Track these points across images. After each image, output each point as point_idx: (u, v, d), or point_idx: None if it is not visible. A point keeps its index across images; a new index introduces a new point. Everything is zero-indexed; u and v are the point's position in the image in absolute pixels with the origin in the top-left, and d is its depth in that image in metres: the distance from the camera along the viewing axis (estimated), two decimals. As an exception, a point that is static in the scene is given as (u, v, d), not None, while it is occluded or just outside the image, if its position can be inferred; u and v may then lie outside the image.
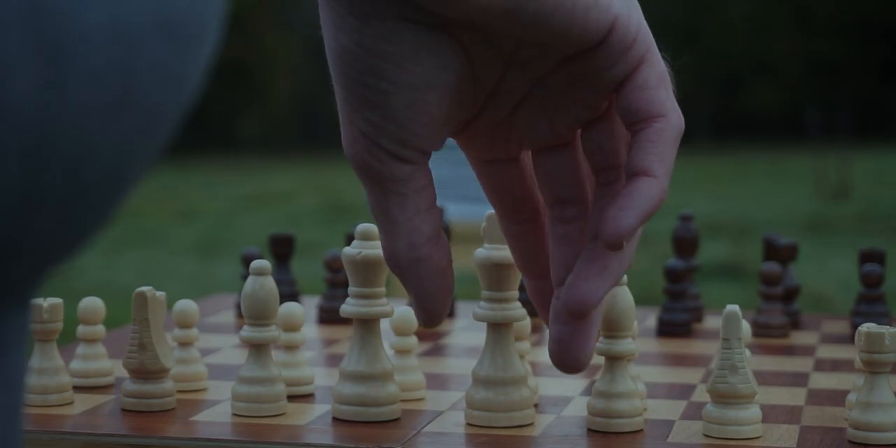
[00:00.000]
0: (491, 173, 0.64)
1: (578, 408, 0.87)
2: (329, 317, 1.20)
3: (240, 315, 1.22)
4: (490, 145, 0.63)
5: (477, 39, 0.59)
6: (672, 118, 0.59)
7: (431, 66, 0.57)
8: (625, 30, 0.58)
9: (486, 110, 0.61)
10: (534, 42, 0.58)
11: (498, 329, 0.82)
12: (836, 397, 0.91)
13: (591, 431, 0.81)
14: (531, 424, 0.82)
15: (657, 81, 0.59)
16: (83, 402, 0.89)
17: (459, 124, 0.62)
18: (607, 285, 0.59)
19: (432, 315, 0.62)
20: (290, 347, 0.93)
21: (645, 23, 0.59)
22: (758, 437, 0.80)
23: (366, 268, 0.83)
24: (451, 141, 0.64)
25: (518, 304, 0.82)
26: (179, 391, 0.91)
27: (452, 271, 0.62)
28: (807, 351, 1.08)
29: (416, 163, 0.59)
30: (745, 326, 0.83)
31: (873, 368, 0.79)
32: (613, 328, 0.81)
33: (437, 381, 0.95)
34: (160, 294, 0.88)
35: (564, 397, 0.90)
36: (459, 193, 4.30)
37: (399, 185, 0.59)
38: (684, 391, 0.93)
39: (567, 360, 0.60)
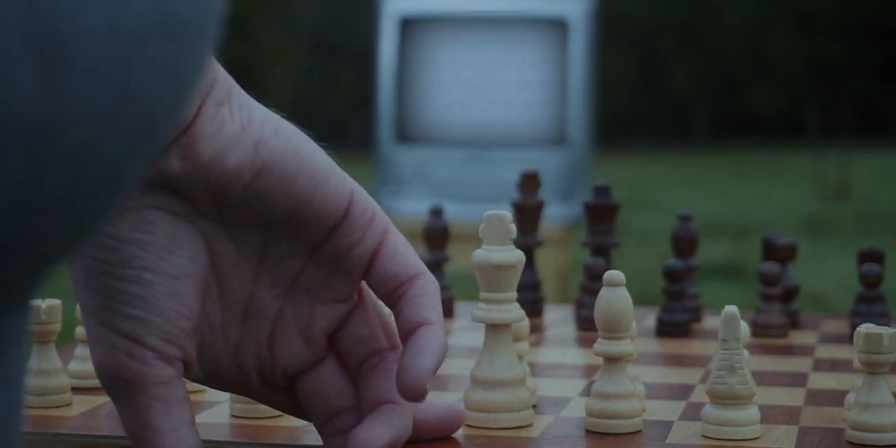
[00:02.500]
0: (284, 404, 0.66)
1: (577, 409, 0.87)
2: (328, 317, 1.20)
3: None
4: (263, 390, 0.64)
5: (224, 240, 0.60)
6: (429, 276, 0.62)
7: (186, 256, 0.59)
8: (364, 201, 0.61)
9: (245, 343, 0.63)
10: (279, 219, 0.60)
11: (496, 330, 0.82)
12: (835, 397, 0.91)
13: (590, 432, 0.81)
14: (530, 425, 0.82)
15: (405, 247, 0.62)
16: (82, 404, 0.89)
17: (230, 363, 0.63)
18: (390, 435, 0.61)
19: None
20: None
21: (378, 206, 0.63)
22: (756, 438, 0.80)
23: (365, 268, 0.83)
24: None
25: (517, 305, 0.82)
26: (179, 391, 0.91)
27: None
28: (806, 351, 1.08)
29: (177, 368, 0.60)
30: (744, 327, 0.83)
31: (872, 369, 0.79)
32: (612, 329, 0.81)
33: (435, 382, 0.95)
34: (159, 294, 0.88)
35: (563, 398, 0.90)
36: (459, 193, 4.29)
37: (163, 391, 0.59)
38: (683, 392, 0.93)
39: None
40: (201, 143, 0.57)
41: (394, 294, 0.63)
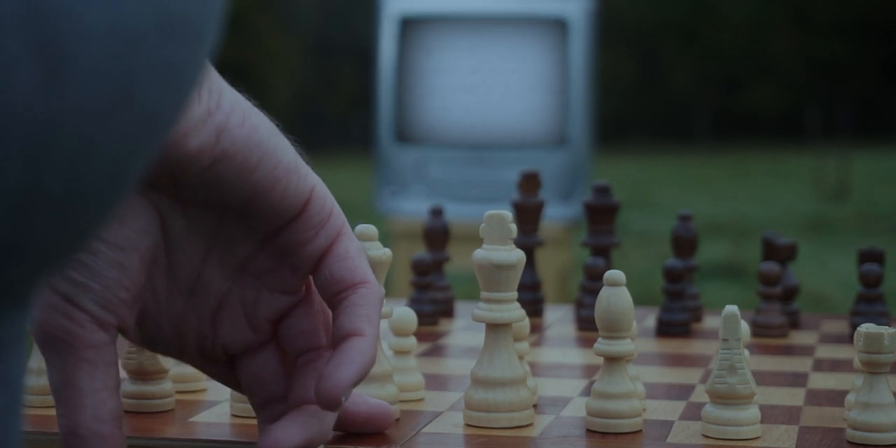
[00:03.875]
0: (226, 380, 0.66)
1: (577, 408, 0.87)
2: (328, 317, 1.20)
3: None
4: (201, 359, 0.64)
5: (178, 215, 0.60)
6: (374, 285, 0.62)
7: (135, 228, 0.60)
8: (322, 200, 0.61)
9: (188, 316, 0.63)
10: (235, 206, 0.60)
11: (497, 330, 0.82)
12: (836, 397, 0.91)
13: (590, 432, 0.81)
14: (530, 425, 0.82)
15: (356, 252, 0.63)
16: (83, 403, 0.89)
17: (172, 333, 0.63)
18: (302, 437, 0.61)
19: None
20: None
21: (337, 205, 0.62)
22: (757, 438, 0.80)
23: (365, 268, 0.83)
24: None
25: (517, 304, 0.82)
26: (178, 392, 0.91)
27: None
28: (806, 351, 1.08)
29: (110, 334, 0.60)
30: (744, 327, 0.83)
31: (872, 369, 0.79)
32: (612, 329, 0.81)
33: (435, 382, 0.95)
34: (160, 294, 0.88)
35: (563, 398, 0.90)
36: (459, 193, 4.29)
37: (92, 354, 0.59)
38: (683, 391, 0.93)
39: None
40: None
41: (335, 298, 0.63)
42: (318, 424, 0.63)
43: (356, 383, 0.61)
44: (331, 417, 0.64)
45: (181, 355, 0.65)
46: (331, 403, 0.60)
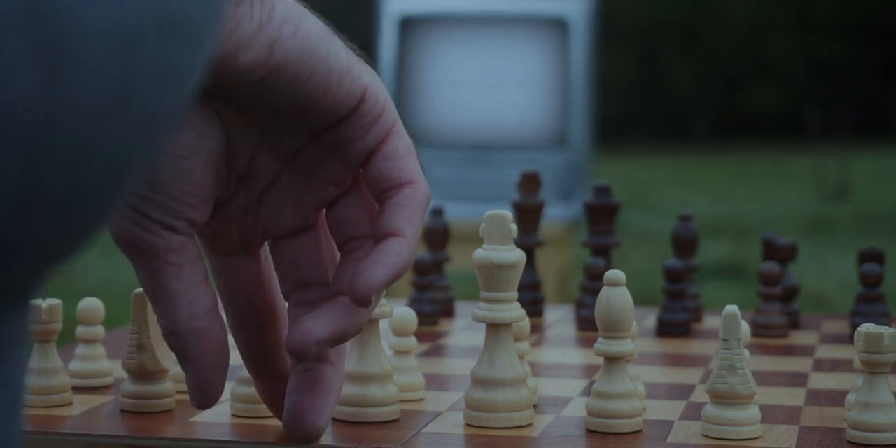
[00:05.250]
0: (230, 269, 0.66)
1: (577, 408, 0.87)
2: (328, 317, 1.20)
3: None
4: (237, 236, 0.65)
5: (232, 113, 0.61)
6: (421, 185, 0.62)
7: (194, 136, 0.60)
8: (374, 100, 0.61)
9: (237, 194, 0.63)
10: (288, 110, 0.61)
11: (497, 330, 0.82)
12: (836, 397, 0.91)
13: (590, 432, 0.81)
14: (530, 425, 0.82)
15: (406, 151, 0.62)
16: (82, 403, 0.89)
17: (213, 206, 0.63)
18: (333, 329, 0.61)
19: (209, 392, 0.62)
20: (290, 348, 0.93)
21: (390, 99, 0.62)
22: (757, 438, 0.80)
23: (365, 268, 0.83)
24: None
25: (517, 304, 0.82)
26: (179, 392, 0.91)
27: (228, 348, 0.63)
28: (806, 351, 1.08)
29: (186, 234, 0.60)
30: (745, 327, 0.83)
31: (872, 369, 0.79)
32: (612, 328, 0.81)
33: (436, 382, 0.95)
34: (160, 294, 0.88)
35: (563, 398, 0.90)
36: (459, 193, 4.29)
37: (173, 256, 0.60)
38: (683, 391, 0.93)
39: (301, 426, 0.61)
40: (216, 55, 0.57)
41: (381, 196, 0.63)
42: (349, 318, 0.63)
43: (389, 283, 0.61)
44: (363, 313, 0.64)
45: (216, 240, 0.64)
46: (361, 300, 0.60)
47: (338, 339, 0.63)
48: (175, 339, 0.61)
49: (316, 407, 0.63)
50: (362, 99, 0.61)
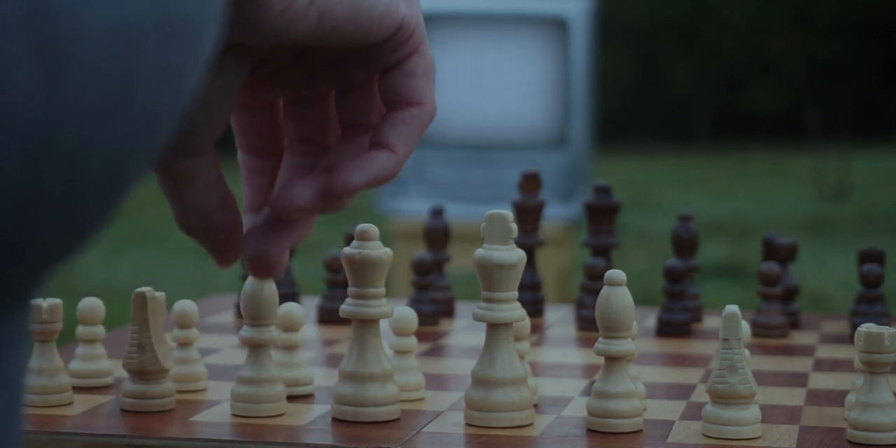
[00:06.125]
0: (247, 116, 0.67)
1: (578, 408, 0.87)
2: (328, 317, 1.20)
3: (239, 315, 1.22)
4: (254, 93, 0.66)
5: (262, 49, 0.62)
6: (428, 108, 0.63)
7: (229, 79, 0.60)
8: (407, 27, 0.62)
9: (260, 67, 0.64)
10: (324, 51, 0.62)
11: (497, 329, 0.82)
12: (836, 397, 0.91)
13: (591, 432, 0.81)
14: (531, 425, 0.82)
15: (424, 71, 0.63)
16: (83, 403, 0.89)
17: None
18: (313, 199, 0.62)
19: (225, 260, 0.64)
20: (290, 348, 0.93)
21: (421, 17, 0.63)
22: (757, 438, 0.80)
23: (365, 268, 0.83)
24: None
25: (517, 304, 0.82)
26: (179, 392, 0.91)
27: (242, 225, 0.65)
28: (806, 351, 1.08)
29: (205, 153, 0.61)
30: (745, 326, 0.83)
31: (873, 369, 0.79)
32: (612, 328, 0.81)
33: (436, 382, 0.95)
34: (160, 294, 0.88)
35: (564, 398, 0.90)
36: (459, 193, 4.29)
37: (189, 175, 0.61)
38: (684, 391, 0.93)
39: (262, 256, 0.63)
40: (266, 19, 0.57)
41: (388, 108, 0.64)
42: (331, 199, 0.64)
43: (363, 189, 0.62)
44: (344, 199, 0.65)
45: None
46: (334, 193, 0.61)
47: (316, 212, 0.64)
48: (186, 233, 0.64)
49: (277, 243, 0.64)
50: (397, 29, 0.62)
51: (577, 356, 1.06)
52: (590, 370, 1.00)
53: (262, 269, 0.64)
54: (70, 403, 0.89)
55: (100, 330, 0.96)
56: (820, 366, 1.02)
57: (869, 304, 1.13)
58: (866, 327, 0.79)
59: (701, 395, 0.91)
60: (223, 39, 0.59)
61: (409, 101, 0.62)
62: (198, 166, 0.62)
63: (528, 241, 1.21)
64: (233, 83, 0.61)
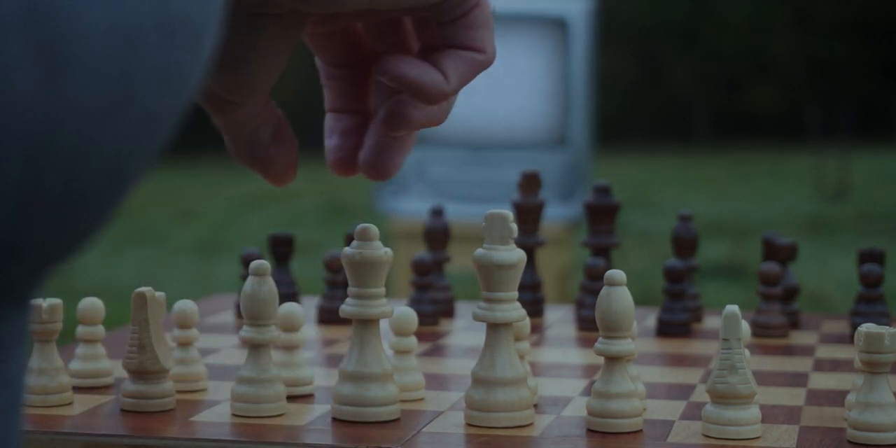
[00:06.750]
0: (321, 38, 0.68)
1: (578, 408, 0.87)
2: (328, 317, 1.20)
3: (239, 315, 1.22)
4: (321, 26, 0.67)
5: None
6: (490, 55, 0.65)
7: (283, 48, 0.62)
8: None
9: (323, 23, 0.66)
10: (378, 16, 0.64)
11: (497, 329, 0.82)
12: (836, 397, 0.91)
13: (591, 432, 0.81)
14: (531, 425, 0.82)
15: (484, 21, 0.64)
16: (82, 403, 0.89)
17: None
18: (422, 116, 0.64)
19: (279, 183, 0.67)
20: (290, 348, 0.93)
21: None
22: (757, 438, 0.80)
23: (365, 268, 0.83)
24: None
25: (518, 304, 0.82)
26: (179, 391, 0.91)
27: (296, 150, 0.66)
28: (806, 351, 1.08)
29: (258, 103, 0.63)
30: (745, 326, 0.83)
31: (873, 369, 0.79)
32: (612, 328, 0.81)
33: (436, 382, 0.95)
34: (160, 294, 0.88)
35: (564, 398, 0.90)
36: (459, 193, 4.29)
37: (240, 118, 0.63)
38: (684, 391, 0.93)
39: (381, 164, 0.65)
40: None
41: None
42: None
43: (410, 87, 0.63)
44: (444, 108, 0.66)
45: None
46: (395, 130, 0.64)
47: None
48: (240, 162, 0.66)
49: (393, 150, 0.66)
50: None
51: (577, 356, 1.06)
52: (590, 370, 1.00)
53: (378, 175, 0.66)
54: (70, 403, 0.89)
55: (100, 330, 0.96)
56: (820, 366, 1.02)
57: (869, 304, 1.13)
58: (866, 327, 0.79)
59: (701, 395, 0.91)
60: (274, 7, 0.60)
61: (472, 48, 0.64)
62: (251, 114, 0.63)
63: (528, 241, 1.21)
64: (285, 45, 0.62)
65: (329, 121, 0.69)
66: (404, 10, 0.62)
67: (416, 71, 0.63)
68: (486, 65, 0.65)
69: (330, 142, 0.67)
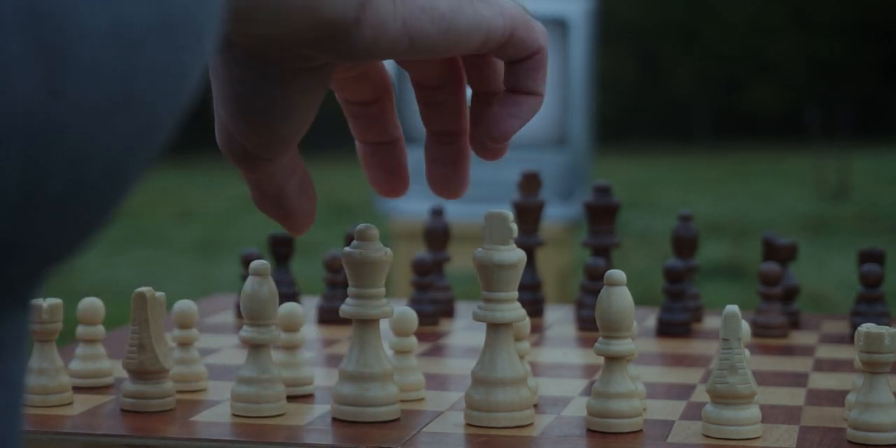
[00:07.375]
0: (350, 77, 0.68)
1: (578, 408, 0.87)
2: (329, 317, 1.20)
3: (239, 315, 1.22)
4: (354, 66, 0.67)
5: None
6: (542, 98, 0.66)
7: (314, 99, 0.62)
8: (494, 36, 0.62)
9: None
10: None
11: (497, 329, 0.82)
12: (836, 397, 0.91)
13: (591, 432, 0.81)
14: (531, 425, 0.82)
15: (540, 65, 0.65)
16: (83, 403, 0.89)
17: None
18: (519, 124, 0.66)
19: (298, 232, 0.68)
20: (290, 348, 0.93)
21: (527, 17, 0.65)
22: (757, 438, 0.80)
23: (365, 268, 0.83)
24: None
25: (518, 304, 0.82)
26: (179, 391, 0.91)
27: (315, 204, 0.67)
28: (806, 351, 1.08)
29: (284, 154, 0.63)
30: (745, 326, 0.83)
31: (873, 369, 0.79)
32: (612, 328, 0.81)
33: (436, 382, 0.96)
34: (160, 294, 0.88)
35: (564, 398, 0.90)
36: (459, 193, 4.29)
37: (270, 171, 0.64)
38: (684, 391, 0.93)
39: (452, 182, 0.68)
40: (359, 45, 0.58)
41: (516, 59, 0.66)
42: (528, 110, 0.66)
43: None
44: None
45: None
46: (496, 143, 0.66)
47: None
48: (262, 211, 0.67)
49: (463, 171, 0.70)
50: (512, 32, 0.62)
51: (577, 356, 1.06)
52: (590, 370, 1.00)
53: (445, 193, 0.68)
54: (70, 403, 0.89)
55: (100, 330, 0.96)
56: (820, 366, 1.02)
57: (869, 304, 1.13)
58: (866, 327, 0.79)
59: (701, 395, 0.91)
60: (307, 60, 0.59)
61: (528, 91, 0.65)
62: (277, 166, 0.64)
63: (528, 241, 1.21)
64: (316, 97, 0.62)
65: (359, 148, 0.70)
66: (437, 58, 0.62)
67: (517, 116, 0.65)
68: (538, 108, 0.67)
69: (370, 174, 0.70)
